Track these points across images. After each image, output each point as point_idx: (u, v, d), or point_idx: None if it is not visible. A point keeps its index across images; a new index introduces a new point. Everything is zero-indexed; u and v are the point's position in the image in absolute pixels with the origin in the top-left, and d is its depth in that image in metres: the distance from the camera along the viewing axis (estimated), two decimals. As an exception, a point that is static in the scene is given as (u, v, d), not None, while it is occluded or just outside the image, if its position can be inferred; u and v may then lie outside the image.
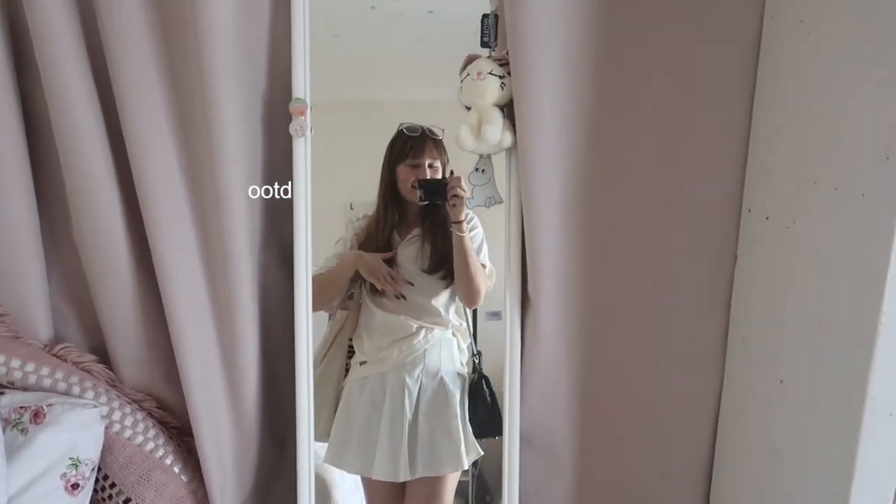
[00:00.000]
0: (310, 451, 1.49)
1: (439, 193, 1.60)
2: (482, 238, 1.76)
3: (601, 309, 1.41)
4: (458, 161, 1.62)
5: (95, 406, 1.41)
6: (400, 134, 1.72)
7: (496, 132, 1.30)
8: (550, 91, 1.28)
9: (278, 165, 1.44)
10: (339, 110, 1.93)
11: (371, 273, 1.71)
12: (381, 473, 1.68)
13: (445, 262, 1.69)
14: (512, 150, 1.36)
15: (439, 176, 1.72)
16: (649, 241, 1.39)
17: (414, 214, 1.77)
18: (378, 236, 1.75)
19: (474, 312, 1.92)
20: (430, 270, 1.71)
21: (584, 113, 1.32)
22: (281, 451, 1.59)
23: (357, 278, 1.75)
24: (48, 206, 1.48)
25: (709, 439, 1.45)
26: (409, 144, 1.71)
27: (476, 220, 1.76)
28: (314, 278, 1.55)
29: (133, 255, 1.43)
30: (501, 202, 1.40)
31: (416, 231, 1.76)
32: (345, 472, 1.86)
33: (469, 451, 1.73)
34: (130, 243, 1.42)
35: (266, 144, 1.42)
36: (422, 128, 1.69)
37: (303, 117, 1.36)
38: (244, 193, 1.37)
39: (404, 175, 1.72)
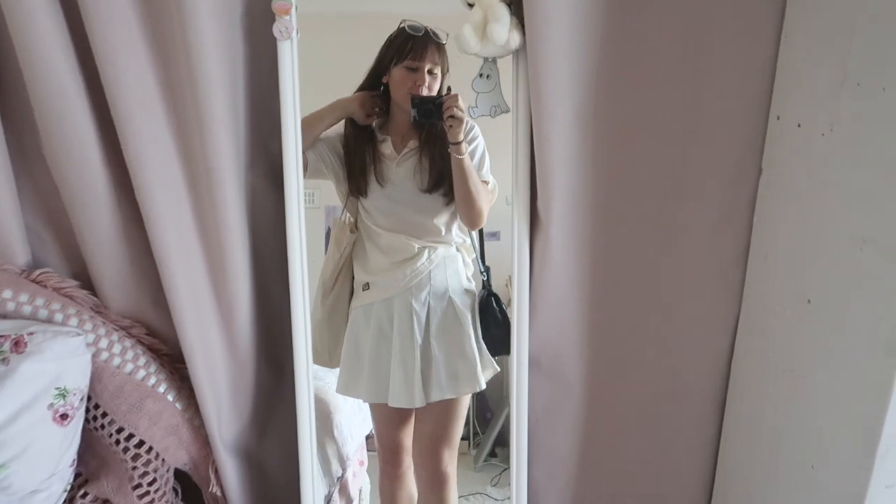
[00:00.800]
0: (308, 374, 1.43)
1: (434, 113, 1.47)
2: (483, 151, 1.64)
3: (615, 226, 1.32)
4: (459, 67, 1.49)
5: (79, 334, 1.34)
6: (401, 32, 1.56)
7: (503, 31, 1.16)
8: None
9: (263, 74, 1.31)
10: (327, 23, 1.76)
11: (362, 106, 1.60)
12: (396, 401, 1.62)
13: (445, 179, 1.57)
14: (520, 52, 1.23)
15: (438, 85, 1.59)
16: (667, 152, 1.29)
17: (408, 125, 1.63)
18: (360, 139, 1.62)
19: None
20: (430, 188, 1.60)
21: (601, 9, 1.18)
22: (279, 375, 1.53)
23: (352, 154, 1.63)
24: (14, 118, 1.36)
25: (725, 361, 1.39)
26: (411, 44, 1.55)
27: (476, 131, 1.63)
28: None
29: (110, 173, 1.33)
30: (508, 111, 1.29)
31: (412, 144, 1.64)
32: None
33: (485, 368, 1.67)
34: (106, 160, 1.32)
35: (247, 50, 1.29)
36: (426, 28, 1.54)
37: (287, 16, 1.23)
38: (226, 106, 1.25)
39: (400, 78, 1.57)
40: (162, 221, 1.30)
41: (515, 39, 1.19)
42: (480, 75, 1.26)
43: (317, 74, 1.47)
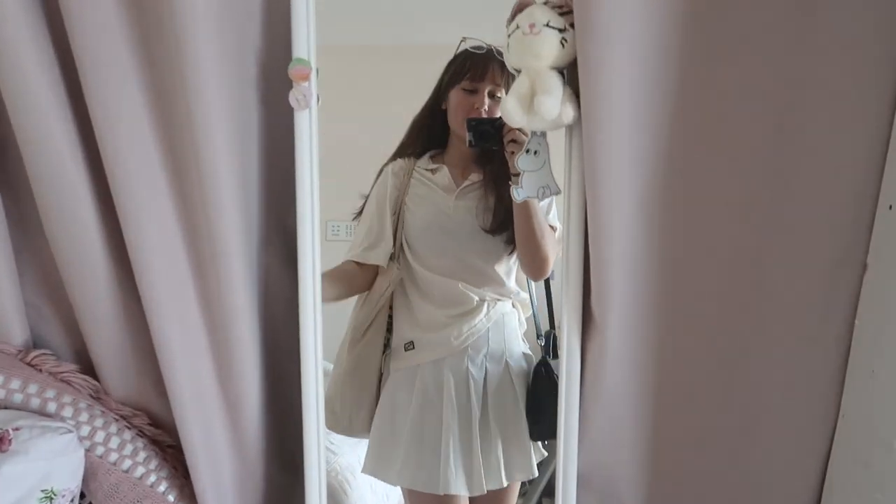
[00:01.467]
0: (321, 476, 1.26)
1: (493, 137, 1.28)
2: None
3: (684, 330, 1.11)
4: None
5: (70, 431, 1.20)
6: (460, 52, 1.40)
7: (554, 104, 0.97)
8: (629, 48, 0.95)
9: (278, 143, 1.16)
10: (352, 54, 1.60)
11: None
12: (451, 486, 1.39)
13: (512, 221, 1.39)
14: (574, 126, 1.04)
15: (499, 111, 1.40)
16: (749, 246, 1.07)
17: (468, 157, 1.47)
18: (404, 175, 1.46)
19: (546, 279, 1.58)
20: (494, 230, 1.40)
21: (672, 78, 0.98)
22: (293, 475, 1.36)
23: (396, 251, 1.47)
24: (14, 186, 1.24)
25: (814, 498, 1.15)
26: (469, 64, 1.38)
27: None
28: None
29: (110, 251, 1.20)
30: (559, 193, 1.09)
31: (474, 177, 1.45)
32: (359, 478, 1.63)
33: (535, 452, 1.47)
34: (106, 237, 1.19)
35: (261, 117, 1.14)
36: (489, 46, 1.36)
37: (306, 83, 1.07)
38: (235, 179, 1.11)
39: (458, 102, 1.40)
40: (161, 309, 1.15)
41: (568, 114, 1.00)
42: (527, 151, 1.08)
43: (337, 108, 1.32)
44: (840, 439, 1.14)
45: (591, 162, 0.99)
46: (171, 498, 1.29)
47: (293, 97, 1.07)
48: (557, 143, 1.11)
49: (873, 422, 1.06)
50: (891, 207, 1.02)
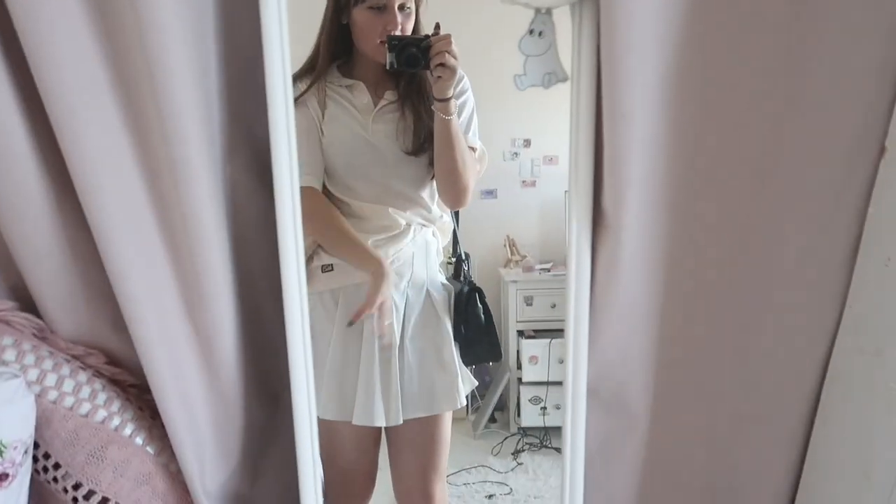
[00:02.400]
0: (311, 407, 1.16)
1: (420, 60, 1.16)
2: (472, 109, 1.33)
3: (702, 230, 1.04)
4: (501, 21, 1.16)
5: (16, 376, 1.05)
6: None
7: (569, -28, 0.85)
8: None
9: (243, 36, 0.99)
10: None
11: (374, 299, 1.30)
12: (364, 417, 1.33)
13: (430, 142, 1.29)
14: (584, 2, 0.92)
15: (412, 23, 1.26)
16: (766, 129, 1.00)
17: (381, 72, 1.33)
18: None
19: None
20: (416, 151, 1.29)
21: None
22: (274, 408, 1.25)
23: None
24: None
25: (817, 390, 1.14)
26: None
27: (466, 83, 1.32)
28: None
29: (45, 169, 1.01)
30: (566, 80, 0.98)
31: (390, 96, 1.33)
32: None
33: (465, 381, 1.42)
34: (37, 151, 1.00)
35: (220, 3, 0.97)
36: None
37: (273, -45, 0.90)
38: (192, 79, 0.94)
39: (365, 22, 1.25)
40: (112, 232, 0.99)
41: (584, -17, 0.88)
42: (531, 32, 0.95)
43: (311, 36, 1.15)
44: (846, 330, 1.12)
45: (609, 38, 0.88)
46: (138, 441, 1.17)
47: (258, -28, 0.90)
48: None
49: (887, 310, 1.04)
50: None
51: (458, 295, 1.43)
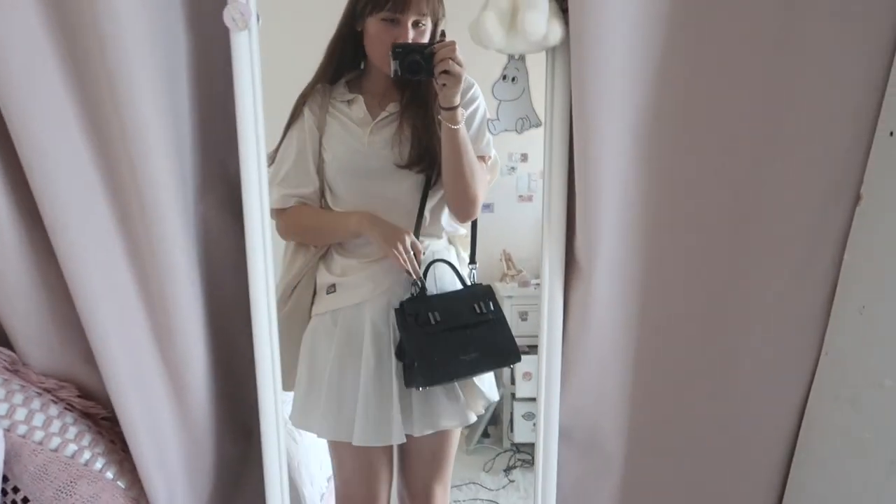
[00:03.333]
0: (280, 444, 1.15)
1: (423, 67, 1.14)
2: (483, 117, 1.30)
3: (670, 271, 1.03)
4: (474, 63, 1.15)
5: (-17, 412, 1.04)
6: None
7: (540, 21, 0.84)
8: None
9: (213, 73, 0.99)
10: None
11: (387, 242, 1.27)
12: (364, 438, 1.30)
13: (428, 154, 1.27)
14: (558, 48, 0.92)
15: (427, 39, 1.24)
16: (741, 178, 0.99)
17: (388, 84, 1.32)
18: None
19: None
20: (408, 164, 1.27)
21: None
22: (246, 445, 1.24)
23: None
24: None
25: (792, 435, 1.12)
26: None
27: (477, 91, 1.29)
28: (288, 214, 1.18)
29: (15, 207, 1.01)
30: (539, 125, 0.98)
31: (392, 107, 1.31)
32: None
33: (478, 398, 1.40)
34: (9, 190, 1.00)
35: (192, 43, 0.96)
36: None
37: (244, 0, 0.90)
38: (163, 118, 0.94)
39: (377, 33, 1.23)
40: (81, 269, 0.99)
41: (556, 32, 0.87)
42: (504, 78, 0.95)
43: (283, 68, 1.14)
44: (822, 377, 1.10)
45: (580, 86, 0.87)
46: (109, 475, 1.16)
47: (228, 16, 0.90)
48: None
49: (863, 359, 1.02)
50: (892, 134, 0.95)
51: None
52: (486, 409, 1.51)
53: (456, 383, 1.36)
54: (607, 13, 0.84)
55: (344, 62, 1.35)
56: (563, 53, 0.92)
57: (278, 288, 1.39)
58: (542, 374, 1.06)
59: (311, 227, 1.38)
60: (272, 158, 1.37)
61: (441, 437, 1.42)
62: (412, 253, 1.27)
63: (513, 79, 0.94)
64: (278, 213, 1.37)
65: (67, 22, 0.91)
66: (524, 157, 3.29)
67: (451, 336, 1.29)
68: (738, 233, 1.02)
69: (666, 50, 0.91)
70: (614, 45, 0.86)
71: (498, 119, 0.96)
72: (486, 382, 1.42)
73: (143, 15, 0.88)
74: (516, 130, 0.97)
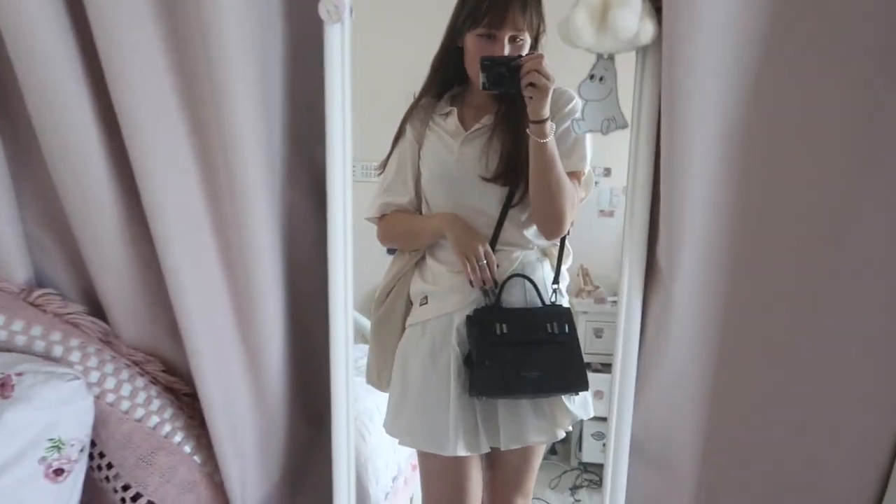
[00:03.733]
0: (349, 435, 1.17)
1: (507, 79, 1.13)
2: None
3: (758, 285, 0.98)
4: (559, 62, 1.14)
5: (77, 377, 1.11)
6: None
7: (632, 19, 0.83)
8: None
9: (304, 61, 1.02)
10: None
11: (459, 246, 1.28)
12: (451, 448, 1.29)
13: (514, 168, 1.25)
14: (649, 48, 0.90)
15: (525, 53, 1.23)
16: (834, 193, 0.94)
17: (486, 99, 1.32)
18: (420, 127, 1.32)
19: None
20: (493, 177, 1.26)
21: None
22: (317, 429, 1.27)
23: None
24: (12, 117, 1.13)
25: (887, 460, 1.05)
26: (486, 6, 1.21)
27: (576, 103, 1.25)
28: (384, 220, 1.22)
29: (117, 187, 1.08)
30: (625, 127, 0.96)
31: (486, 120, 1.31)
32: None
33: (564, 415, 1.34)
34: (112, 171, 1.07)
35: (286, 34, 1.00)
36: None
37: (338, -8, 0.93)
38: (255, 106, 0.98)
39: (474, 48, 1.23)
40: (175, 250, 1.04)
41: (648, 31, 0.85)
42: (591, 77, 0.94)
43: (373, 61, 1.17)
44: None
45: (670, 87, 0.85)
46: (186, 449, 1.21)
47: (323, 8, 0.93)
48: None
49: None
50: None
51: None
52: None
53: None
54: (702, 11, 0.81)
55: (447, 78, 1.36)
56: (653, 53, 0.90)
57: (377, 290, 1.42)
58: (615, 384, 1.03)
59: (402, 231, 1.40)
60: (383, 167, 1.41)
61: (526, 450, 1.40)
62: (484, 262, 1.26)
63: (600, 78, 0.93)
64: (378, 221, 1.41)
65: (172, 11, 0.96)
66: (607, 172, 3.23)
67: (514, 350, 1.26)
68: (834, 249, 0.97)
69: (763, 53, 0.87)
70: (707, 45, 0.83)
71: (583, 119, 0.95)
72: (577, 399, 1.38)
73: (241, 4, 0.92)
74: (601, 131, 0.95)
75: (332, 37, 0.95)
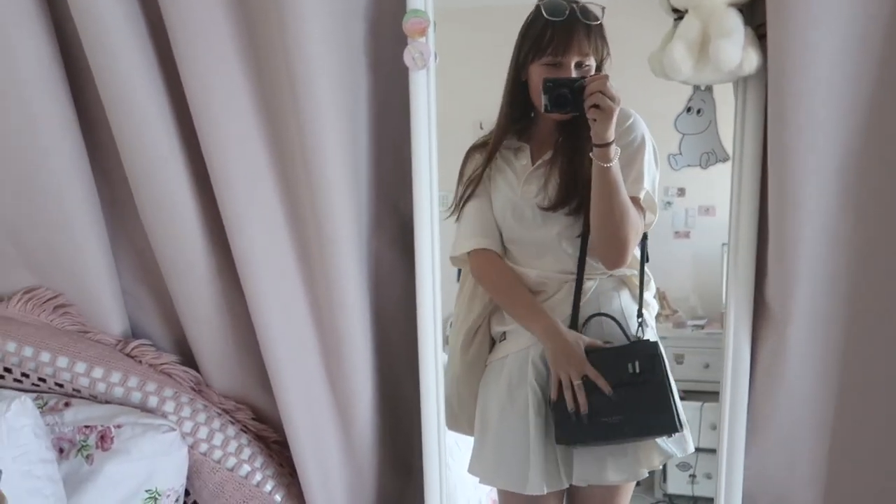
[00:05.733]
0: (441, 486, 1.14)
1: (570, 101, 1.08)
2: (643, 155, 1.17)
3: (877, 327, 0.91)
4: (650, 94, 1.09)
5: (172, 429, 1.13)
6: (536, 16, 1.17)
7: (735, 49, 0.79)
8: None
9: (390, 108, 1.01)
10: (460, 17, 1.42)
11: (557, 365, 1.22)
12: (529, 486, 1.22)
13: (576, 195, 1.19)
14: (750, 78, 0.85)
15: None
16: None
17: (552, 130, 1.26)
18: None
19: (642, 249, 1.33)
20: (552, 206, 1.21)
21: (889, 13, 0.78)
22: (406, 481, 1.25)
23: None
24: (109, 173, 1.17)
25: None
26: (550, 34, 1.16)
27: (640, 127, 1.18)
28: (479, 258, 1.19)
29: (209, 240, 1.10)
30: (726, 160, 0.91)
31: (548, 154, 1.26)
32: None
33: (650, 451, 1.29)
34: (204, 225, 1.10)
35: (371, 81, 1.00)
36: (570, 6, 1.14)
37: (423, 39, 0.92)
38: (343, 155, 0.97)
39: (538, 79, 1.18)
40: (264, 299, 1.05)
41: (752, 61, 0.81)
42: (688, 110, 0.90)
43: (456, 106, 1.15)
44: None
45: (778, 120, 0.80)
46: (277, 498, 1.20)
47: (409, 55, 0.92)
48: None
49: None
50: None
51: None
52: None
53: None
54: (812, 38, 0.76)
55: (514, 113, 1.34)
56: (755, 83, 0.85)
57: (459, 332, 1.39)
58: (724, 430, 0.96)
59: (500, 292, 1.32)
60: (456, 204, 1.39)
61: (611, 489, 1.34)
62: (579, 383, 1.22)
63: (698, 111, 0.89)
64: (468, 256, 1.38)
65: (261, 64, 0.97)
66: (681, 192, 3.13)
67: (592, 395, 1.20)
68: None
69: (880, 83, 0.81)
70: (819, 75, 0.77)
71: (681, 153, 0.91)
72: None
73: (331, 56, 0.93)
74: (700, 165, 0.91)
75: (418, 83, 0.94)
